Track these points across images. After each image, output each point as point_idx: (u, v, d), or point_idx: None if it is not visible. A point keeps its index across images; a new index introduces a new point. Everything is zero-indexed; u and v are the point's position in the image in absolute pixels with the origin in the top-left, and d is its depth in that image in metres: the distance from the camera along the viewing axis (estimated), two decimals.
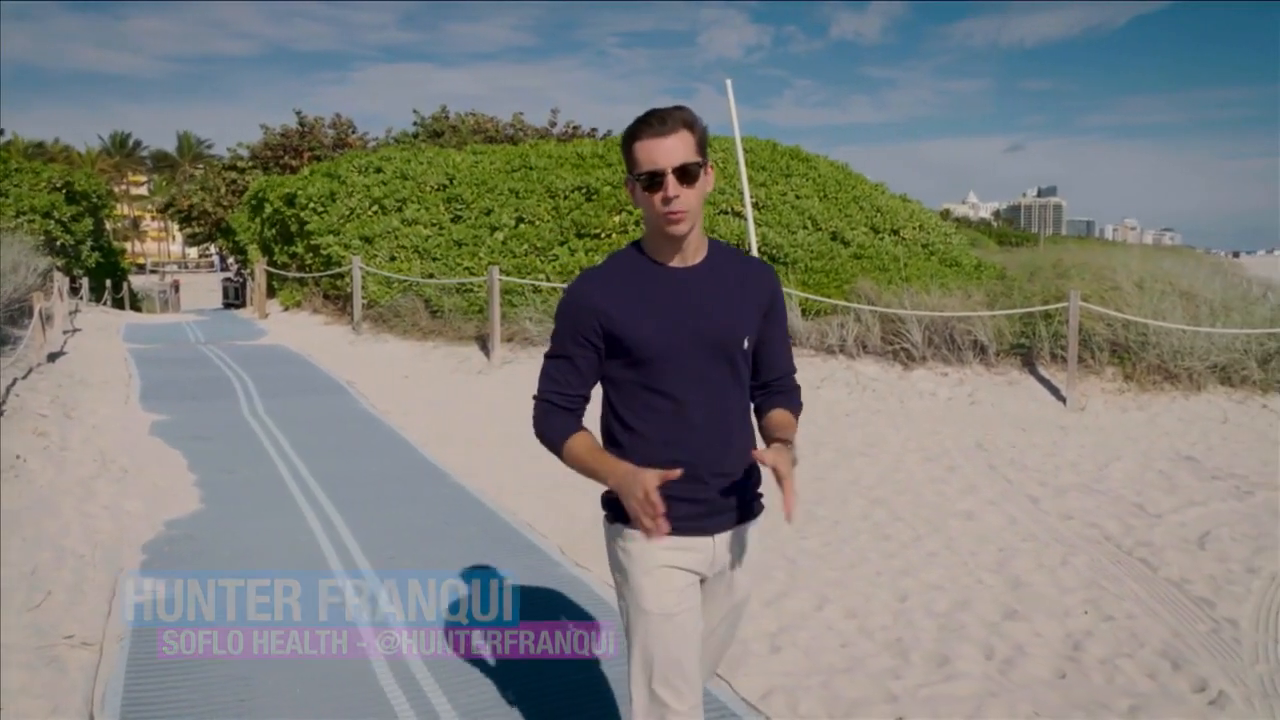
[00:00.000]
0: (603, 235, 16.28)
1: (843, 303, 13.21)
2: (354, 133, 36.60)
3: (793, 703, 4.21)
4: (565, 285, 14.64)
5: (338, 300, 18.54)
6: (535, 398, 2.64)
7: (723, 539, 2.63)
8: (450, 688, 4.22)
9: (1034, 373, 12.14)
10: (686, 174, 2.43)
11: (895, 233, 17.27)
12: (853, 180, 19.53)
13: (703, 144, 2.49)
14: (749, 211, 13.16)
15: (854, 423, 10.44)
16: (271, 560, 5.82)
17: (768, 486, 2.56)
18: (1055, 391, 11.55)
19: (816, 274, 14.48)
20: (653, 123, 2.45)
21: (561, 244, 16.48)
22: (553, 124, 36.01)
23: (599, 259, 15.42)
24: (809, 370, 12.27)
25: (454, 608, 5.12)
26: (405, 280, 16.56)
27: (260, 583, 5.35)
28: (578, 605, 5.21)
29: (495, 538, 6.41)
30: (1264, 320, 12.72)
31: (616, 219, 16.46)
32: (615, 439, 2.62)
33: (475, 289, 15.75)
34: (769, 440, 2.59)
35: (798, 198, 17.42)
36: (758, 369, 2.72)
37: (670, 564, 2.55)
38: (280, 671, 4.35)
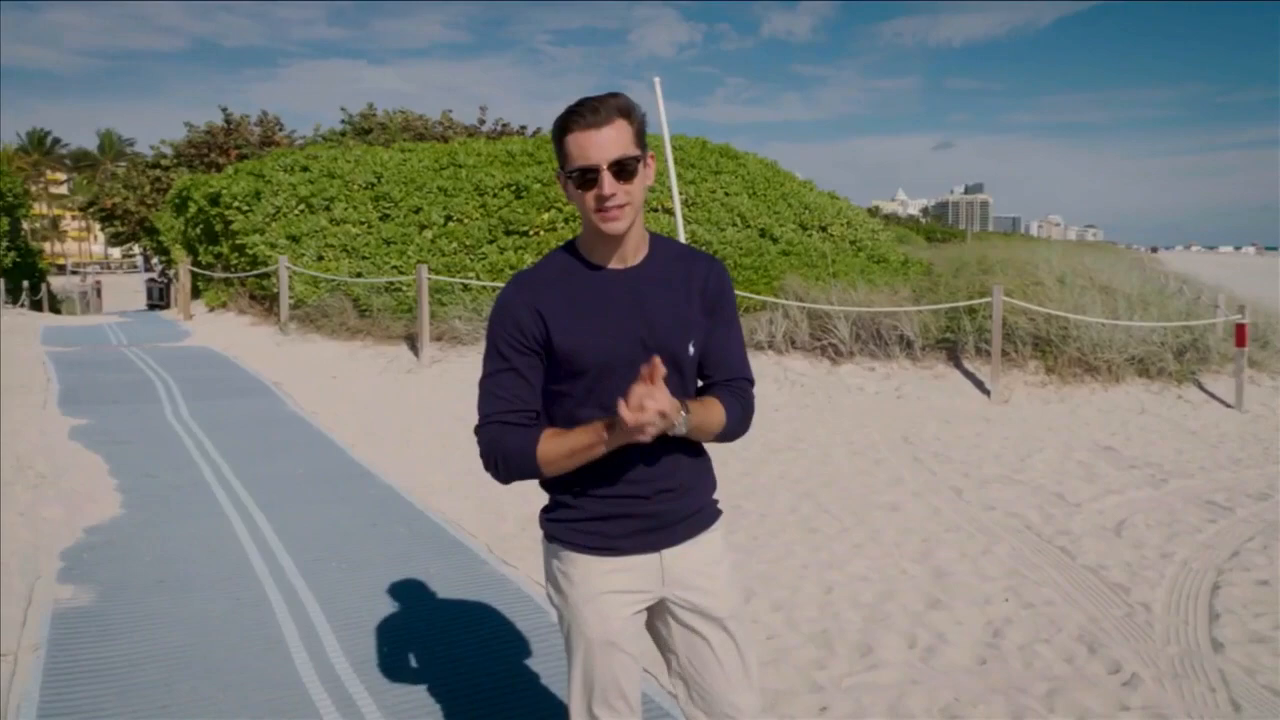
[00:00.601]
0: (532, 233, 16.25)
1: (771, 299, 13.32)
2: (281, 130, 36.05)
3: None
4: (495, 284, 14.61)
5: (264, 300, 18.27)
6: (479, 427, 2.38)
7: (673, 555, 2.44)
8: (375, 688, 4.19)
9: (959, 367, 12.34)
10: (623, 169, 2.22)
11: (823, 229, 17.43)
12: (781, 177, 19.69)
13: (641, 133, 2.29)
14: (678, 209, 13.20)
15: (782, 418, 10.54)
16: (194, 565, 5.74)
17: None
18: (980, 385, 11.75)
19: (745, 271, 14.58)
20: (584, 113, 2.22)
21: (490, 242, 16.42)
22: (482, 122, 35.80)
23: (529, 257, 15.50)
24: None
25: (380, 608, 5.10)
26: (333, 279, 16.39)
27: (182, 587, 5.31)
28: (504, 604, 5.20)
29: (423, 537, 6.38)
30: (1179, 314, 13.07)
31: (546, 216, 16.43)
32: None
33: (404, 288, 15.62)
34: None
35: (727, 195, 17.52)
36: (705, 370, 2.48)
37: (612, 589, 2.40)
38: (202, 676, 4.29)
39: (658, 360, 2.10)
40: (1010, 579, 5.76)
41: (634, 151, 2.25)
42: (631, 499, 2.37)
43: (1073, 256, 17.16)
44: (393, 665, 4.43)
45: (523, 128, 35.89)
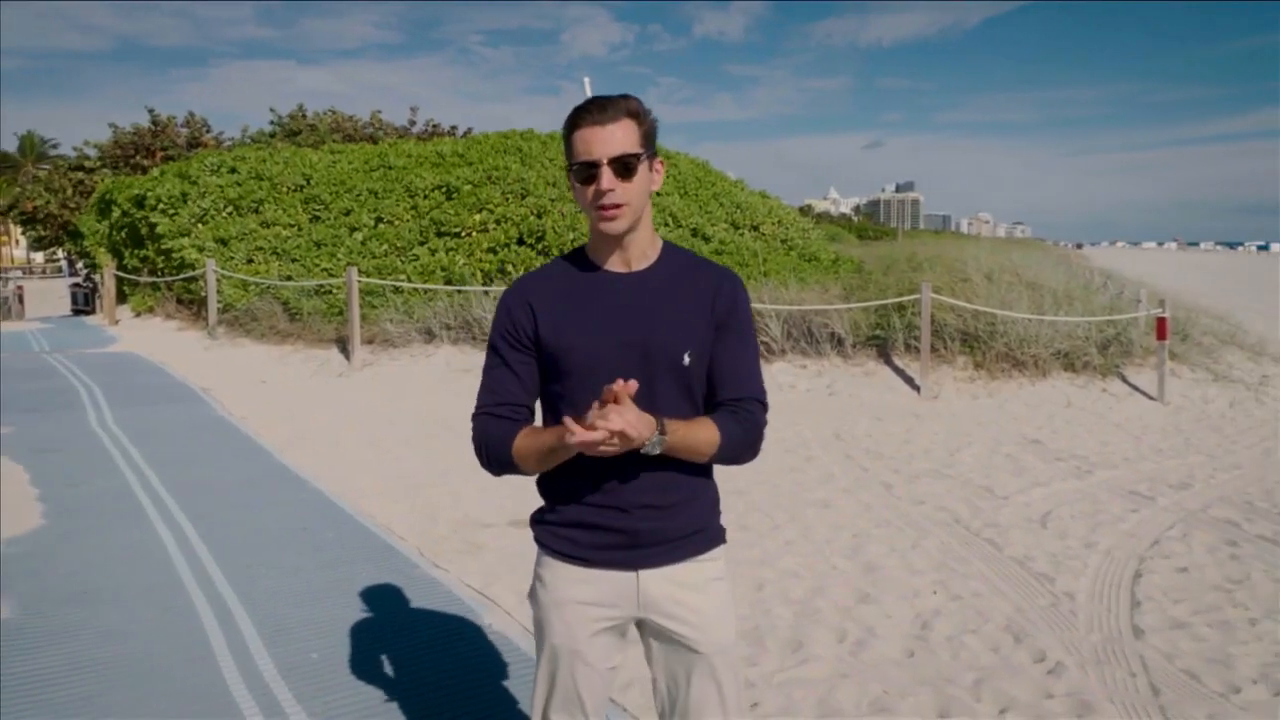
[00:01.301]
0: (463, 234, 16.17)
1: None
2: (209, 132, 35.49)
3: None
4: (426, 286, 14.51)
5: (192, 305, 17.99)
6: (472, 417, 2.39)
7: (652, 577, 2.34)
8: (304, 695, 4.15)
9: (889, 363, 12.49)
10: (624, 166, 2.20)
11: (755, 229, 17.54)
12: (712, 177, 19.79)
13: (649, 137, 2.27)
14: None
15: None
16: (119, 575, 5.63)
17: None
18: (910, 381, 11.90)
19: None
20: (593, 110, 2.23)
21: (422, 244, 16.31)
22: (412, 123, 35.55)
23: (460, 259, 15.43)
24: None
25: (309, 614, 5.05)
26: (262, 283, 16.18)
27: (106, 598, 5.21)
28: (435, 607, 5.17)
29: (353, 542, 6.32)
30: (1103, 308, 13.34)
31: (477, 217, 16.36)
32: None
33: (335, 290, 15.48)
34: None
35: (658, 195, 17.55)
36: (712, 387, 2.37)
37: (581, 599, 2.35)
38: (128, 689, 4.21)
39: (625, 383, 2.06)
40: (939, 572, 5.84)
41: (636, 149, 2.22)
42: (609, 510, 2.30)
43: (1000, 253, 17.44)
44: (321, 671, 4.39)
45: (453, 128, 35.68)
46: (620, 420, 2.02)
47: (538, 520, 2.44)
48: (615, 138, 2.20)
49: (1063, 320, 12.46)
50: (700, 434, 2.24)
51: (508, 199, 16.79)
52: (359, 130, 34.28)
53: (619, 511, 2.30)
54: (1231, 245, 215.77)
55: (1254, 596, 5.47)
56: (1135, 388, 11.83)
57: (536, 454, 2.24)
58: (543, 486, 2.43)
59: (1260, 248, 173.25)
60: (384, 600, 5.29)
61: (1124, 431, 10.09)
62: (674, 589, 2.35)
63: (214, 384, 12.53)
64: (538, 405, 2.42)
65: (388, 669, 4.41)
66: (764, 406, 2.40)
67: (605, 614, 2.36)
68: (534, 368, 2.36)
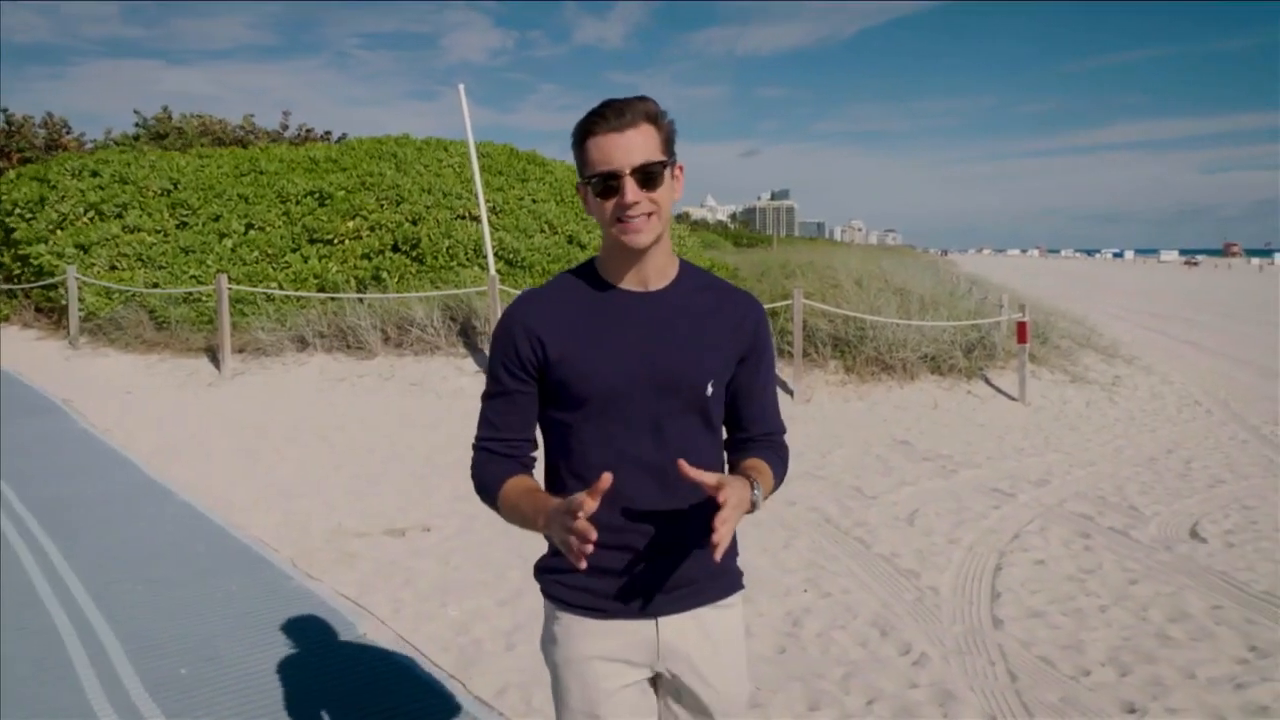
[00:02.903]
0: (336, 241, 15.93)
1: None
2: (69, 133, 34.21)
3: (527, 697, 4.29)
4: (299, 293, 14.27)
5: (52, 313, 17.32)
6: (472, 446, 2.23)
7: (672, 624, 2.15)
8: (173, 712, 4.07)
9: None
10: (648, 176, 2.01)
11: None
12: None
13: (669, 141, 2.08)
14: (484, 216, 13.19)
15: None
16: None
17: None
18: (783, 385, 12.11)
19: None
20: (608, 115, 2.01)
21: (294, 250, 16.02)
22: (285, 127, 34.80)
23: (334, 266, 15.20)
24: None
25: (177, 629, 4.95)
26: (127, 290, 15.69)
27: None
28: (309, 618, 5.11)
29: (224, 554, 6.19)
30: (968, 313, 13.79)
31: (351, 224, 16.13)
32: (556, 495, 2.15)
33: (204, 298, 15.10)
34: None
35: (534, 202, 17.57)
36: (736, 423, 2.24)
37: (598, 654, 2.13)
38: None
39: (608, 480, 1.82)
40: (809, 570, 5.99)
41: (660, 157, 2.03)
42: (626, 553, 2.10)
43: (870, 260, 17.90)
44: (190, 687, 4.30)
45: (328, 133, 35.06)
46: (731, 494, 1.87)
47: (546, 570, 2.21)
48: (635, 145, 2.01)
49: (929, 325, 12.85)
50: (768, 481, 2.12)
51: (382, 205, 16.60)
52: (229, 134, 33.45)
53: (636, 555, 2.11)
54: (1090, 252, 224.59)
55: (1105, 585, 5.74)
56: (998, 389, 12.26)
57: (517, 516, 2.08)
58: None
59: (1116, 255, 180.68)
60: (256, 612, 5.21)
61: (987, 431, 10.46)
62: (696, 639, 2.18)
63: (76, 395, 12.11)
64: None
65: (260, 682, 4.35)
66: (785, 434, 2.32)
67: (624, 671, 2.16)
68: (535, 397, 2.17)
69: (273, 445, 9.58)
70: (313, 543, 6.50)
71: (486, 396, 2.20)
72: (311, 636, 4.87)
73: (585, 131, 2.03)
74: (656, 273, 2.13)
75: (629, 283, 2.12)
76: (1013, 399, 11.96)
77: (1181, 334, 21.64)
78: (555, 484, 2.19)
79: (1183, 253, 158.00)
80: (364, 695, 4.23)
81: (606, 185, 2.01)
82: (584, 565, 1.81)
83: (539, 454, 2.25)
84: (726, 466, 2.24)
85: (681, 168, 2.13)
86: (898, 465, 8.82)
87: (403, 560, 6.16)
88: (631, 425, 2.08)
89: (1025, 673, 4.54)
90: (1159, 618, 5.26)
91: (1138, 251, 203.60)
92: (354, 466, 8.71)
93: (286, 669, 4.49)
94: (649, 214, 2.02)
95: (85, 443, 9.66)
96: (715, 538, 1.80)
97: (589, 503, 1.79)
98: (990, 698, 4.30)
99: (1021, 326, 12.14)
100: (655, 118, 2.05)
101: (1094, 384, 12.78)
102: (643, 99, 2.05)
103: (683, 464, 1.86)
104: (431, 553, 6.31)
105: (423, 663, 4.61)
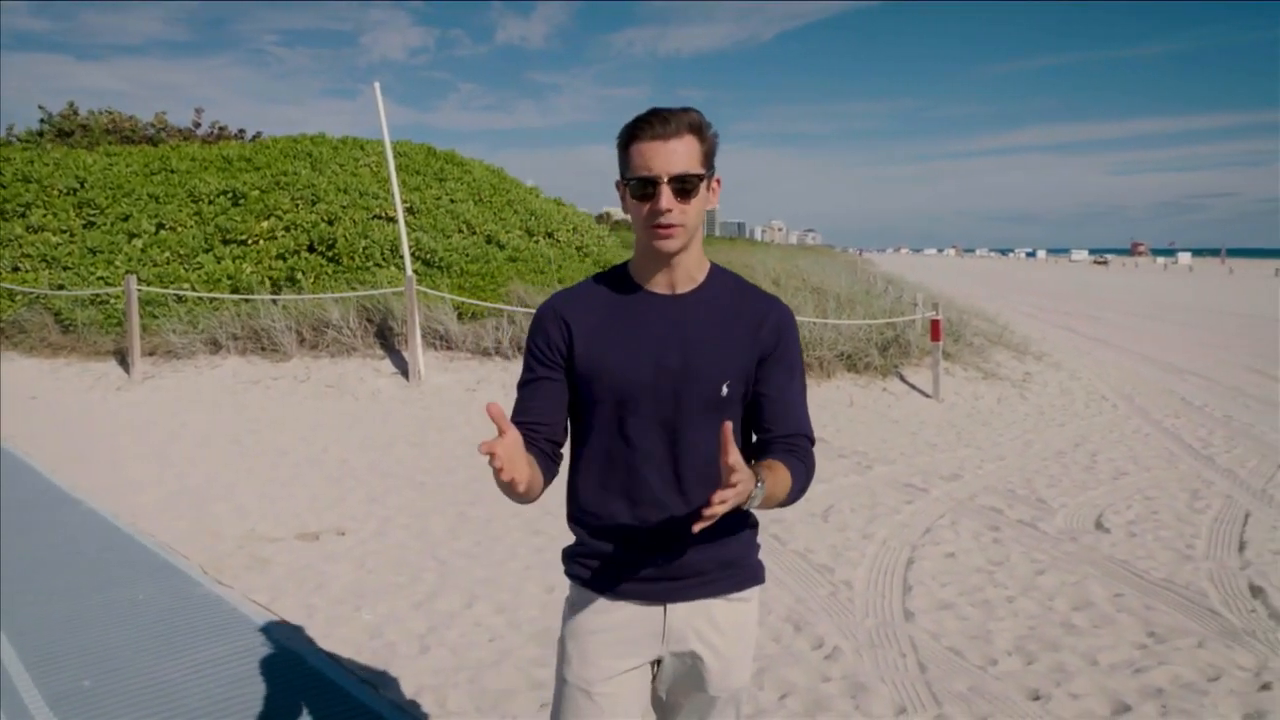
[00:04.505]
0: (250, 242, 15.66)
1: (497, 305, 13.37)
2: None
3: (440, 700, 4.26)
4: (212, 295, 14.01)
5: None
6: None
7: (680, 612, 2.23)
8: None
9: None
10: (684, 185, 2.08)
11: (550, 235, 17.62)
12: (508, 184, 19.77)
13: (710, 154, 2.15)
14: (400, 215, 13.07)
15: None
16: None
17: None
18: None
19: (472, 277, 14.57)
20: (654, 122, 2.08)
21: (206, 251, 15.72)
22: (197, 125, 34.08)
23: (248, 267, 14.96)
24: (465, 373, 12.35)
25: (80, 639, 4.83)
26: (30, 292, 15.28)
27: None
28: (217, 625, 5.03)
29: (131, 562, 6.06)
30: (884, 312, 14.00)
31: (265, 225, 15.88)
32: (571, 484, 2.31)
33: (112, 300, 14.76)
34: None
35: (452, 202, 17.44)
36: (758, 424, 2.26)
37: (604, 630, 2.23)
38: None
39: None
40: None
41: (699, 169, 2.10)
42: (642, 540, 2.20)
43: (788, 260, 18.09)
44: (94, 699, 4.21)
45: (241, 132, 34.41)
46: (742, 475, 1.85)
47: (570, 553, 2.32)
48: (677, 154, 2.08)
49: (846, 324, 13.01)
50: (782, 482, 2.09)
51: (297, 205, 16.36)
52: (139, 132, 32.67)
53: (652, 542, 2.20)
54: (1003, 252, 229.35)
55: (1012, 576, 5.87)
56: (913, 386, 12.45)
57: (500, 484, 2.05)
58: (575, 519, 2.31)
59: (1029, 254, 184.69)
60: (163, 621, 5.10)
61: (902, 428, 10.61)
62: (703, 625, 2.25)
63: None
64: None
65: (166, 692, 4.27)
66: (812, 442, 2.30)
67: (626, 652, 2.24)
68: (565, 385, 2.24)
69: (184, 450, 9.39)
70: (224, 548, 6.39)
71: (520, 386, 2.28)
72: (221, 644, 4.79)
73: (631, 135, 2.12)
74: (685, 277, 2.21)
75: (657, 285, 2.22)
76: (927, 396, 12.15)
77: (1090, 331, 22.16)
78: (576, 473, 2.29)
79: (1092, 252, 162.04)
80: (274, 702, 4.17)
81: (643, 189, 2.09)
82: (505, 477, 1.86)
83: (565, 447, 2.31)
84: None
85: (719, 180, 2.21)
86: (815, 463, 8.89)
87: (316, 565, 6.08)
88: (648, 421, 2.16)
89: (935, 663, 4.62)
90: (1064, 606, 5.39)
91: (1050, 251, 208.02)
92: (267, 470, 8.58)
93: (194, 678, 4.41)
94: (679, 224, 2.10)
95: None
96: (706, 511, 1.83)
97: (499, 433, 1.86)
98: (901, 689, 4.37)
99: (935, 325, 12.34)
100: (699, 129, 2.12)
101: (1005, 380, 13.04)
102: (688, 110, 2.12)
103: (727, 428, 1.83)
104: (346, 556, 6.24)
105: (335, 668, 4.55)
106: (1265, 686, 4.39)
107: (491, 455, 1.82)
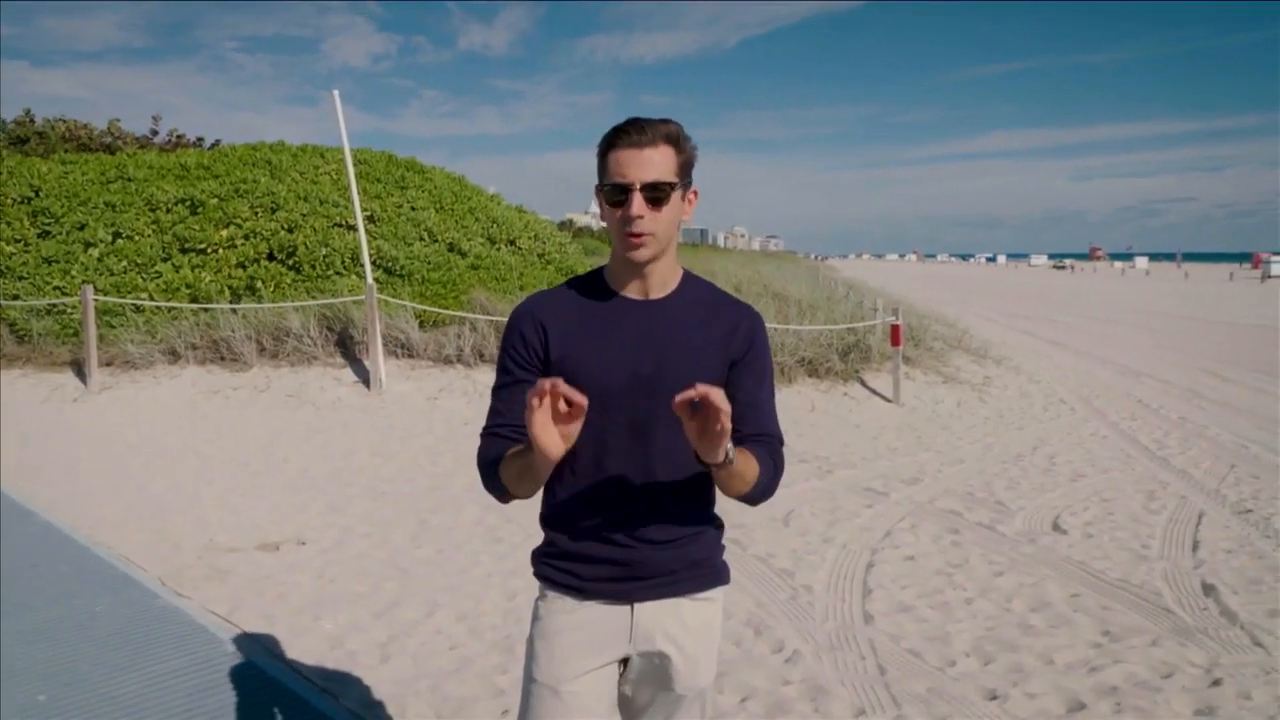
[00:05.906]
0: (209, 250, 15.54)
1: (459, 313, 13.34)
2: None
3: (401, 709, 4.25)
4: (170, 304, 13.89)
5: None
6: (481, 434, 2.32)
7: (647, 611, 2.26)
8: None
9: None
10: (656, 193, 2.11)
11: (511, 243, 17.61)
12: (469, 191, 19.74)
13: (687, 166, 2.19)
14: (360, 224, 13.01)
15: (471, 431, 10.56)
16: None
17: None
18: None
19: (433, 285, 14.52)
20: (631, 131, 2.13)
21: (165, 260, 15.57)
22: (155, 132, 33.79)
23: (207, 276, 14.84)
24: (427, 381, 12.31)
25: (36, 653, 4.78)
26: None
27: None
28: (176, 637, 4.99)
29: (88, 574, 6.00)
30: (845, 317, 14.09)
31: (224, 233, 15.76)
32: (545, 486, 2.31)
33: (68, 310, 14.60)
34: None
35: (413, 209, 17.39)
36: (734, 422, 2.14)
37: (570, 629, 2.26)
38: None
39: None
40: None
41: (671, 178, 2.14)
42: (610, 541, 2.23)
43: (750, 266, 18.16)
44: (50, 713, 4.16)
45: (200, 139, 34.16)
46: (718, 401, 1.84)
47: (540, 554, 2.34)
48: (651, 162, 2.12)
49: (807, 329, 13.08)
50: (751, 463, 2.14)
51: (257, 213, 16.25)
52: (95, 139, 32.36)
53: (620, 542, 2.23)
54: (964, 257, 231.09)
55: (971, 578, 5.93)
56: (874, 391, 12.54)
57: (516, 469, 2.13)
58: (546, 520, 2.33)
59: (989, 259, 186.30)
60: (121, 633, 5.06)
61: (862, 432, 10.69)
62: (670, 624, 2.28)
63: None
64: None
65: (125, 704, 4.24)
66: (782, 443, 2.35)
67: (595, 652, 2.27)
68: None
69: (142, 461, 9.31)
70: (183, 560, 6.34)
71: (496, 389, 2.31)
72: (180, 656, 4.75)
73: (609, 143, 2.15)
74: (659, 283, 2.25)
75: (631, 291, 2.25)
76: (887, 400, 12.24)
77: (1048, 335, 22.41)
78: (552, 475, 2.27)
79: (1051, 257, 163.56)
80: (234, 714, 4.14)
81: (616, 196, 2.13)
82: (544, 400, 1.88)
83: None
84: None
85: (696, 192, 2.25)
86: None
87: (276, 575, 6.05)
88: (619, 424, 2.18)
89: (894, 665, 4.67)
90: (1021, 607, 5.45)
91: (1010, 256, 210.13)
92: (227, 481, 8.52)
93: (153, 691, 4.37)
94: (649, 232, 2.13)
95: None
96: (694, 390, 1.83)
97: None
98: (860, 691, 4.40)
99: (896, 330, 12.44)
100: (676, 140, 2.16)
101: (965, 384, 13.16)
102: (667, 121, 2.16)
103: (700, 388, 1.83)
104: (306, 566, 6.21)
105: (295, 678, 4.53)
106: (1216, 682, 4.47)
107: (540, 399, 1.87)
